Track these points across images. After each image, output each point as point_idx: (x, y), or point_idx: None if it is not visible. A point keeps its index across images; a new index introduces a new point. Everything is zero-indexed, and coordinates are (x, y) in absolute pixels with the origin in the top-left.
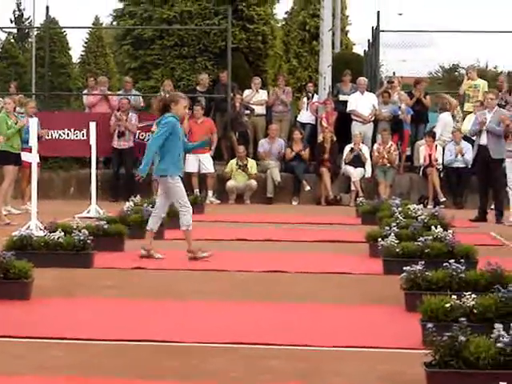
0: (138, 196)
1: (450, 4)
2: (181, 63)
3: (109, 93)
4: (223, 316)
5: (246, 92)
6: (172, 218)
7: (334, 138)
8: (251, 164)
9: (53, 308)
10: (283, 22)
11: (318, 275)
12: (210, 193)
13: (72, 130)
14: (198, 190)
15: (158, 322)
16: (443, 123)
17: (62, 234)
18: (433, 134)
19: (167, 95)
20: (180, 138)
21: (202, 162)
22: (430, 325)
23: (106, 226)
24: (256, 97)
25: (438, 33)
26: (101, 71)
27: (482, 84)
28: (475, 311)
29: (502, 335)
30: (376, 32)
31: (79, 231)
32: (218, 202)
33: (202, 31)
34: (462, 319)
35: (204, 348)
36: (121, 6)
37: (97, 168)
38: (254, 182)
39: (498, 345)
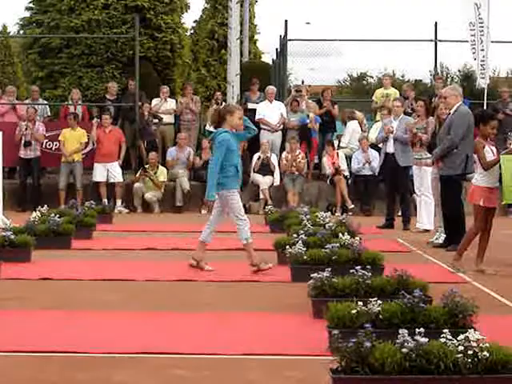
0: (45, 206)
1: (358, 13)
2: (88, 72)
3: (15, 102)
4: (131, 326)
5: (155, 101)
6: (79, 228)
7: (245, 146)
8: (161, 170)
9: None
10: (191, 31)
11: (226, 283)
12: (119, 202)
13: None
14: (106, 199)
15: (64, 334)
16: (351, 131)
17: None
18: (332, 143)
19: (223, 106)
20: (236, 151)
21: (110, 171)
22: (335, 331)
23: (12, 237)
24: (164, 105)
25: (346, 41)
26: (8, 80)
27: (393, 93)
28: (381, 317)
29: (406, 340)
30: (284, 41)
31: None
32: (127, 211)
33: (109, 40)
34: (368, 325)
35: (112, 359)
36: (28, 14)
37: (2, 178)
38: (153, 198)
39: (403, 350)
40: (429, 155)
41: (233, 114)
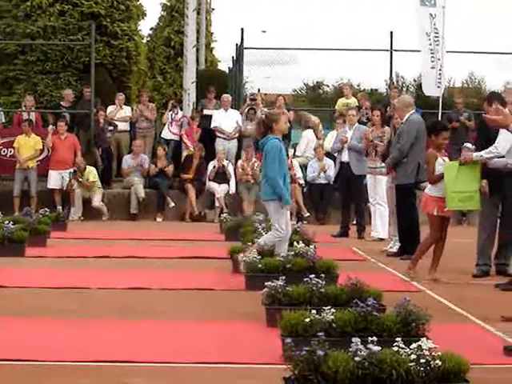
0: None
1: (315, 22)
2: (44, 78)
3: None
4: (85, 334)
5: (110, 108)
6: (33, 235)
7: (203, 154)
8: (89, 171)
9: None
10: (148, 39)
11: (180, 291)
12: (73, 209)
13: None
14: (60, 206)
15: (18, 342)
16: (306, 140)
17: None
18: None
19: (265, 116)
20: (285, 160)
21: (65, 178)
22: (288, 340)
23: None
24: (120, 113)
25: (302, 50)
26: None
27: (353, 102)
28: (334, 325)
29: (359, 349)
30: (240, 49)
31: None
32: (82, 218)
33: (65, 46)
34: (321, 334)
35: (66, 368)
36: None
37: None
38: (101, 203)
39: (356, 359)
40: (383, 164)
41: (278, 121)
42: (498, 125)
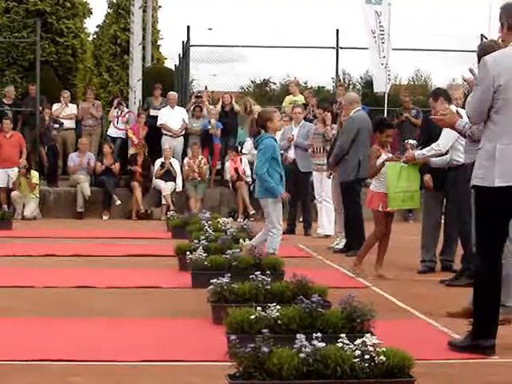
0: None
1: (260, 20)
2: None
3: None
4: (28, 333)
5: (55, 106)
6: None
7: (146, 151)
8: (33, 174)
9: None
10: (94, 36)
11: (126, 290)
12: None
13: None
14: (6, 205)
15: None
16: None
17: None
18: (235, 149)
19: (258, 114)
20: (279, 159)
21: (10, 177)
22: (233, 337)
23: None
24: (65, 110)
25: (249, 48)
26: None
27: (300, 100)
28: (279, 322)
29: (304, 345)
30: (186, 46)
31: None
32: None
33: (10, 44)
34: (265, 330)
35: (10, 366)
36: None
37: None
38: (33, 214)
39: (301, 355)
40: None
41: (272, 119)
42: (444, 124)
